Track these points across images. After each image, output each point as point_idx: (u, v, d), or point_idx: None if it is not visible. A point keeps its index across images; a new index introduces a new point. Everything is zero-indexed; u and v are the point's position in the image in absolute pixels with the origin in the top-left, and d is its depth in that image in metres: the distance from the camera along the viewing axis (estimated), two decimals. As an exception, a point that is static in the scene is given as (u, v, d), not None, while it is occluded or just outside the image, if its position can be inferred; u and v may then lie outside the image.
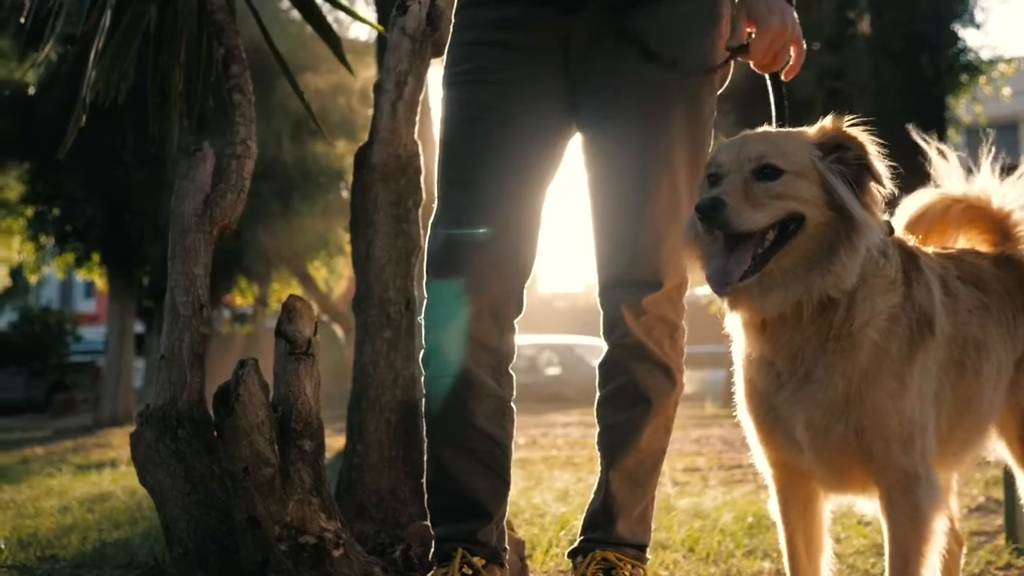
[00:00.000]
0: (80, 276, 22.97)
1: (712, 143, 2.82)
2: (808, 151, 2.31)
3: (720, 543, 4.18)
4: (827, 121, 2.37)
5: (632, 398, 2.83)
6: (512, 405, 2.90)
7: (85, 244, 19.66)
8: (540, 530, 4.56)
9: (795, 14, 2.66)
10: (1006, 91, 18.82)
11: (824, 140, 2.33)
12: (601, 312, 2.87)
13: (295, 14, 19.45)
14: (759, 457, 2.54)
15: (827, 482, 2.48)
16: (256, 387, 3.01)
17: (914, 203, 2.91)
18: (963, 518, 4.86)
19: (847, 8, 15.59)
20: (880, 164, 2.32)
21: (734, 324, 2.45)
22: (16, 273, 25.31)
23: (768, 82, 2.69)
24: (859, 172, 2.30)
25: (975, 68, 17.37)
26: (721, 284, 2.27)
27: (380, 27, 3.87)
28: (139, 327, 25.09)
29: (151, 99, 3.81)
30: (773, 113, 2.66)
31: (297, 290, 22.52)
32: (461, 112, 2.86)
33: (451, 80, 2.90)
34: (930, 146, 2.90)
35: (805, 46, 2.67)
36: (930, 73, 14.33)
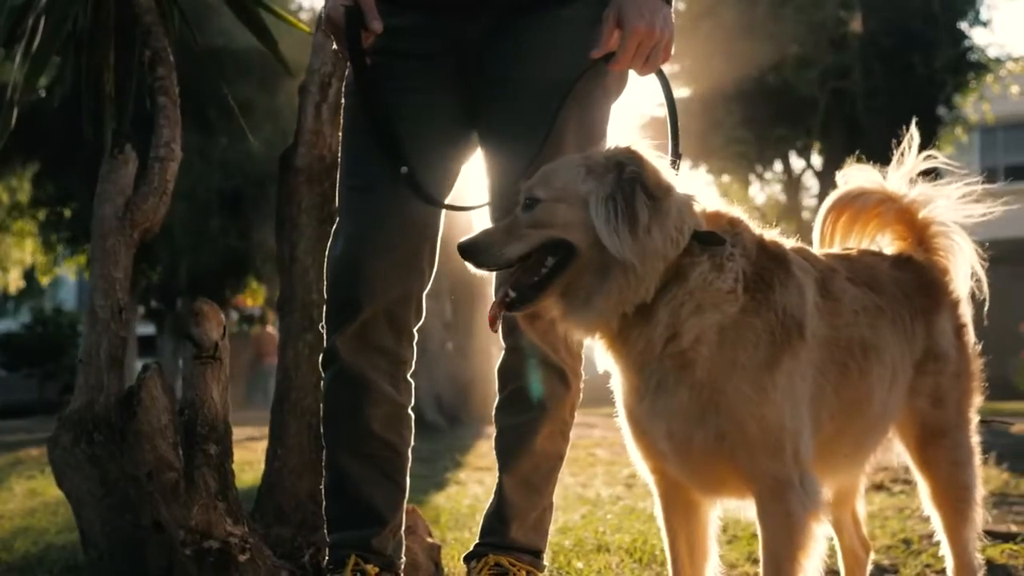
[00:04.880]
0: (92, 277, 22.99)
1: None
2: (574, 173, 2.26)
3: (660, 547, 4.13)
4: (617, 142, 2.34)
5: (526, 402, 2.81)
6: (410, 412, 2.87)
7: (96, 245, 19.66)
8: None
9: (670, 14, 2.58)
10: (1014, 89, 18.66)
11: (605, 160, 2.28)
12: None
13: (302, 16, 19.47)
14: (639, 464, 2.50)
15: (701, 489, 2.44)
16: (159, 391, 3.00)
17: (854, 182, 2.90)
18: (921, 519, 4.79)
19: (842, 8, 15.50)
20: (656, 178, 2.24)
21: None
22: (30, 275, 25.44)
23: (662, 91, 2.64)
24: (636, 188, 2.21)
25: (982, 66, 17.24)
26: (490, 317, 2.37)
27: (306, 28, 3.85)
28: (151, 329, 25.20)
29: (84, 102, 3.80)
30: (668, 124, 2.60)
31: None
32: (360, 120, 2.82)
33: (349, 90, 2.87)
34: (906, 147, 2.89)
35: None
36: (922, 72, 14.16)
